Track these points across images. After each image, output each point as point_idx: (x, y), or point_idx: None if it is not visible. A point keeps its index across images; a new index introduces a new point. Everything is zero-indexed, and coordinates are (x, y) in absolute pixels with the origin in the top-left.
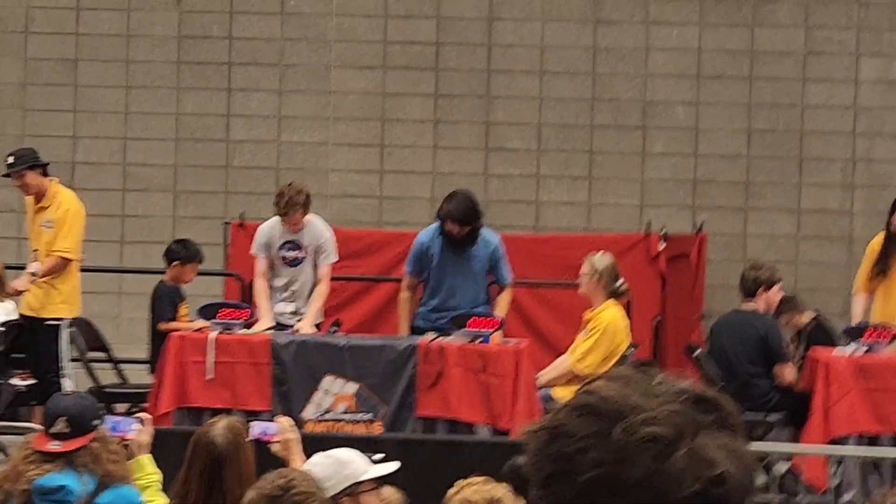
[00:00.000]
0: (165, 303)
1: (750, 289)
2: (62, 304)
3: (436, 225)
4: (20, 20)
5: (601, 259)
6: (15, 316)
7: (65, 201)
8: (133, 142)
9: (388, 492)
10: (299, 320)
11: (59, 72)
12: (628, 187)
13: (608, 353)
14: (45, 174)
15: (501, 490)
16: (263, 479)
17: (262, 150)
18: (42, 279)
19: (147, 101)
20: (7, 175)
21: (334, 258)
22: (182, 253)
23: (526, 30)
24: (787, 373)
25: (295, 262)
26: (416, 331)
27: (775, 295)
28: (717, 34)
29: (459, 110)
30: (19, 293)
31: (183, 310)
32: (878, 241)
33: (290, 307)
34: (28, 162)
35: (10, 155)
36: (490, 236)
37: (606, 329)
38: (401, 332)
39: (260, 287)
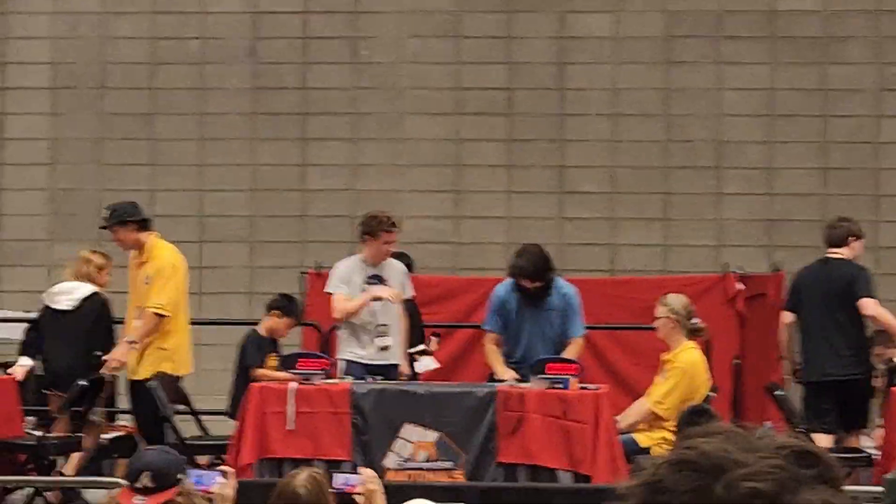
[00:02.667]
0: (254, 350)
1: (841, 237)
2: (165, 363)
3: (511, 280)
4: (97, 76)
5: (675, 299)
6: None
7: (160, 256)
8: (209, 193)
9: None
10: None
11: (135, 126)
12: (704, 228)
13: (687, 395)
14: (143, 228)
15: None
16: None
17: (337, 199)
18: (141, 342)
19: (222, 152)
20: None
21: (413, 292)
22: (285, 306)
23: (597, 73)
24: (871, 304)
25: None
26: (494, 380)
27: (861, 247)
28: (789, 73)
29: (532, 155)
30: (122, 364)
31: (271, 361)
32: None
33: (383, 342)
34: (119, 217)
35: (108, 209)
36: (566, 288)
37: (685, 371)
38: (500, 373)
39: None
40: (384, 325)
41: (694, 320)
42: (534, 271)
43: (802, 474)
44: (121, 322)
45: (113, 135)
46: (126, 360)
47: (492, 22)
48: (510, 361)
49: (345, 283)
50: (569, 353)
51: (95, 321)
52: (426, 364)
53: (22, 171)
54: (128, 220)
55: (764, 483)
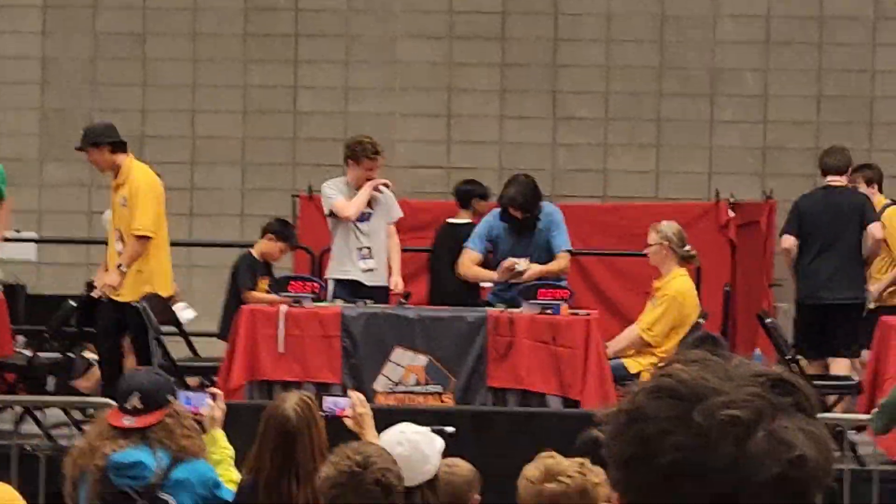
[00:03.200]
0: (247, 273)
1: (842, 166)
2: (145, 285)
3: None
4: None
5: (668, 226)
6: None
7: (135, 178)
8: (201, 115)
9: (459, 463)
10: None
11: (127, 46)
12: (697, 155)
13: (676, 322)
14: (118, 150)
15: (567, 465)
16: (339, 454)
17: (329, 122)
18: (129, 266)
19: (214, 74)
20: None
21: (401, 213)
22: (281, 230)
23: None
24: (881, 229)
25: (364, 219)
26: (485, 305)
27: (855, 179)
28: (785, 0)
29: (526, 80)
30: (111, 288)
31: (263, 284)
32: None
33: (366, 264)
34: (92, 139)
35: (83, 130)
36: (549, 208)
37: (675, 298)
38: (487, 276)
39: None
40: (367, 247)
41: (686, 247)
42: (523, 202)
43: (779, 402)
44: None
45: (105, 55)
46: (116, 284)
47: None
48: (498, 290)
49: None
50: (554, 265)
51: None
52: None
53: (14, 91)
54: (101, 141)
55: (741, 410)
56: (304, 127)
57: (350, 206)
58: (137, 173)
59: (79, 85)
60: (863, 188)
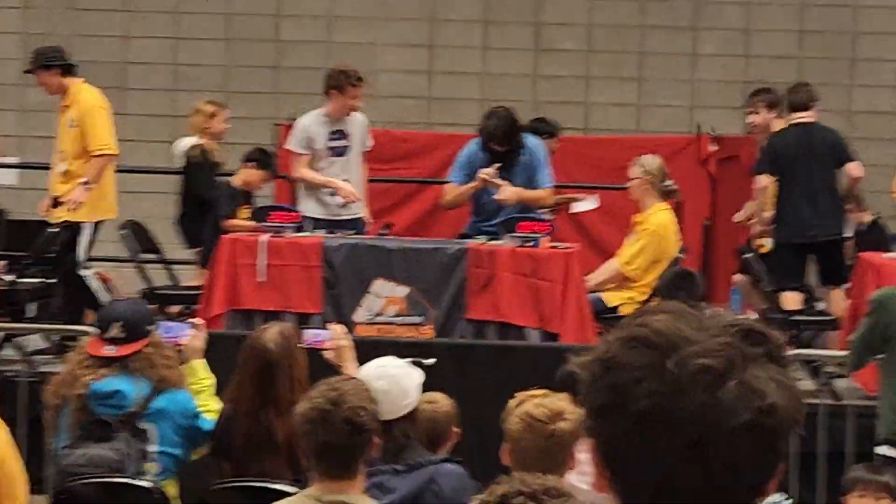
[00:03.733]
0: (227, 201)
1: (806, 101)
2: (101, 201)
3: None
4: None
5: (650, 160)
6: None
7: (84, 100)
8: (183, 42)
9: (438, 397)
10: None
11: None
12: (679, 88)
13: (656, 256)
14: (67, 73)
15: (563, 403)
16: (317, 389)
17: (311, 51)
18: (95, 182)
19: (197, 1)
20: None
21: (372, 142)
22: (262, 159)
23: None
24: (859, 167)
25: (342, 152)
26: (465, 237)
27: (756, 104)
28: None
29: (508, 11)
30: (79, 205)
31: (244, 212)
32: None
33: (340, 200)
34: (42, 61)
35: (32, 53)
36: (532, 142)
37: (655, 232)
38: (466, 189)
39: (310, 173)
40: (346, 179)
41: (667, 182)
42: (503, 135)
43: (750, 352)
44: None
45: None
46: (83, 200)
47: None
48: (481, 223)
49: (306, 142)
50: (532, 193)
51: (190, 171)
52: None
53: None
54: (51, 63)
55: (713, 360)
56: (286, 55)
57: (300, 177)
58: (86, 94)
59: (60, 10)
60: (763, 113)
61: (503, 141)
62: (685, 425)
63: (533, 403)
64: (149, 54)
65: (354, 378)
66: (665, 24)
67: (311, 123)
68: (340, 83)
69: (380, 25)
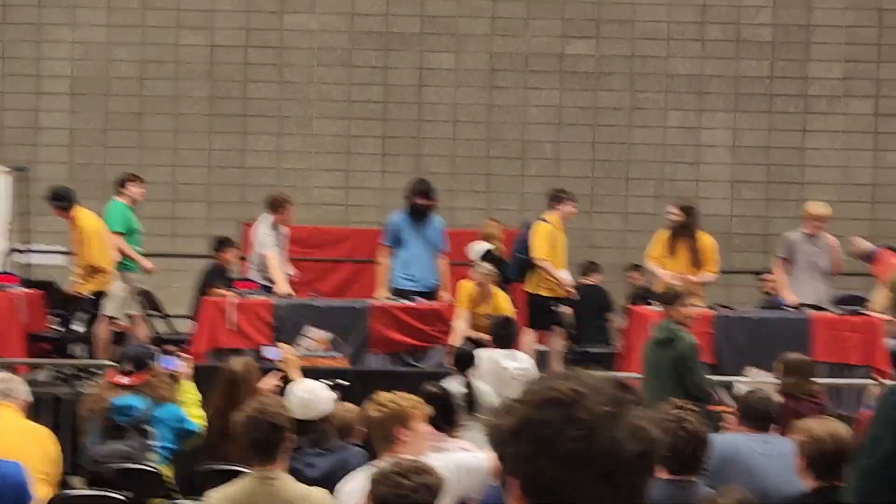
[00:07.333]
0: (209, 279)
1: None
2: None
3: (401, 211)
4: None
5: (477, 247)
6: None
7: (81, 227)
8: (180, 169)
9: (349, 406)
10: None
11: (127, 123)
12: (510, 198)
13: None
14: (70, 208)
15: (406, 401)
16: (247, 404)
17: (266, 174)
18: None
19: (187, 138)
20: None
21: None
22: (222, 243)
23: (445, 92)
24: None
25: (282, 247)
26: (396, 291)
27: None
28: (573, 96)
29: (399, 147)
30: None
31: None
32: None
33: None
34: (52, 200)
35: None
36: (438, 218)
37: None
38: (380, 290)
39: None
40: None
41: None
42: (429, 190)
43: (626, 398)
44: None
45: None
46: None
47: (372, 56)
48: (406, 276)
49: (275, 238)
50: (442, 267)
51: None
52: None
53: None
54: (55, 203)
55: (610, 406)
56: (250, 178)
57: (277, 275)
58: (84, 221)
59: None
60: None
61: (428, 194)
62: (598, 459)
63: (375, 403)
64: (153, 174)
65: (273, 396)
66: (502, 155)
67: (267, 227)
68: (276, 205)
69: (313, 157)
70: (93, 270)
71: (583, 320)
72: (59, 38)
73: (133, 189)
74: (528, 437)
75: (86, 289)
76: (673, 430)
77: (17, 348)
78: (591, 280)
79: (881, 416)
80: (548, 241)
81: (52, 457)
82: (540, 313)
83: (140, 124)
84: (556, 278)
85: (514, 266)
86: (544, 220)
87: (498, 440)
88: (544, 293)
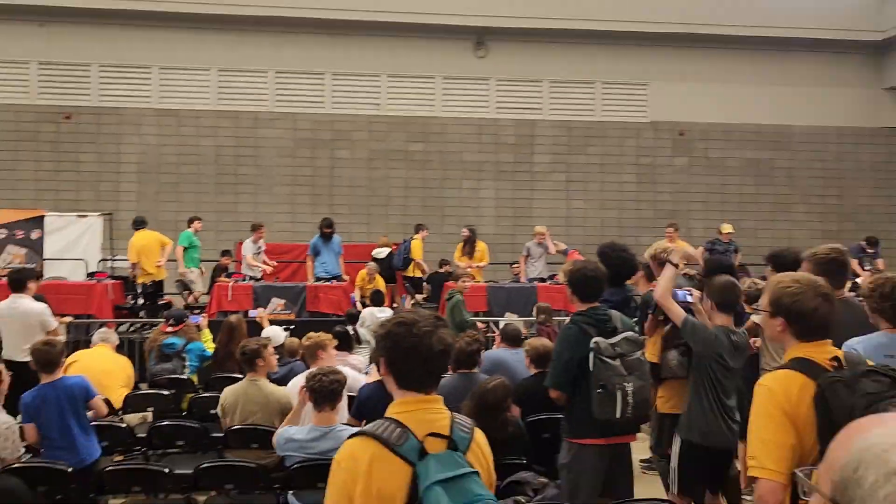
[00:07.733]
0: (219, 272)
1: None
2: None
3: (317, 234)
4: None
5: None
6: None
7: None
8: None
9: (294, 340)
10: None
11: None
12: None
13: None
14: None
15: (323, 336)
16: (244, 342)
17: (249, 215)
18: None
19: (195, 203)
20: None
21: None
22: (227, 252)
23: (348, 173)
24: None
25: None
26: (317, 278)
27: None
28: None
29: (319, 200)
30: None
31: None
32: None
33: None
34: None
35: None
36: (337, 237)
37: None
38: (310, 278)
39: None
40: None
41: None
42: (330, 224)
43: (439, 323)
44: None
45: None
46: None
47: (307, 151)
48: (323, 270)
49: (256, 249)
50: (341, 264)
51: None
52: None
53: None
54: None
55: (430, 326)
56: (241, 216)
57: (254, 268)
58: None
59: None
60: None
61: (331, 226)
62: (423, 351)
63: (307, 337)
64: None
65: (262, 337)
66: (376, 203)
67: (250, 244)
68: (257, 228)
69: (274, 205)
70: (144, 272)
71: (434, 290)
72: (131, 142)
73: (196, 224)
74: (389, 339)
75: (141, 280)
76: (463, 344)
77: (108, 313)
78: (443, 270)
79: (561, 337)
80: (420, 250)
81: (129, 373)
82: (413, 286)
83: (178, 191)
84: (421, 269)
85: (399, 261)
86: (414, 239)
87: (378, 340)
88: (417, 276)
